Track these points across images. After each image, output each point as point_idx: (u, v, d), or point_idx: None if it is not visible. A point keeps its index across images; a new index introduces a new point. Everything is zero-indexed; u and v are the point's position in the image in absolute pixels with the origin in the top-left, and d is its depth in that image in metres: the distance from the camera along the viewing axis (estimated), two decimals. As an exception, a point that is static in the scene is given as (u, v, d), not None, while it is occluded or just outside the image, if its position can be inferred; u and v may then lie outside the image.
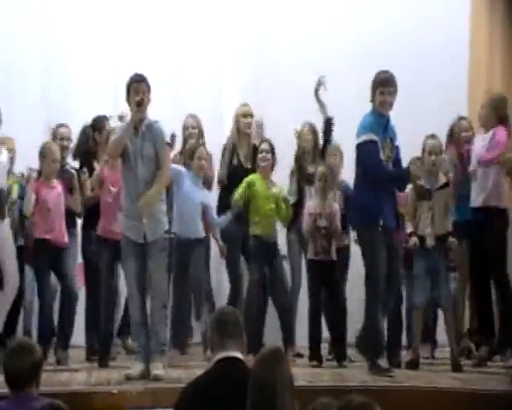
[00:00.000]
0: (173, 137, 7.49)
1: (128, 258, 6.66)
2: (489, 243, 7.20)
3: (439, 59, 9.07)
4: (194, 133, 8.09)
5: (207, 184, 7.93)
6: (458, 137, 7.80)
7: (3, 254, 7.17)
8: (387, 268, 6.77)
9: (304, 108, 8.09)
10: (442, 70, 9.03)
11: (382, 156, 6.72)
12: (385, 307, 6.88)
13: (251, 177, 7.69)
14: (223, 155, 8.07)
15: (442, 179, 7.28)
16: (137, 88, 6.56)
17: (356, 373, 6.79)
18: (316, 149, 7.99)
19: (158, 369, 6.44)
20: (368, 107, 7.05)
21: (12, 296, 7.24)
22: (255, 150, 7.91)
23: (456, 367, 7.01)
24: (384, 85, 6.76)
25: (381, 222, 6.75)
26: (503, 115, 7.34)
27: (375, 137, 6.70)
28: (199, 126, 8.18)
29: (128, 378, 6.37)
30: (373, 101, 6.82)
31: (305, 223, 7.47)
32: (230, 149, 8.02)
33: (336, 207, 7.49)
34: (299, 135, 8.00)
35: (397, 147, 6.93)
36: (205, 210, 7.64)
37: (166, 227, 6.76)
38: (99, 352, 7.36)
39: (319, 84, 7.81)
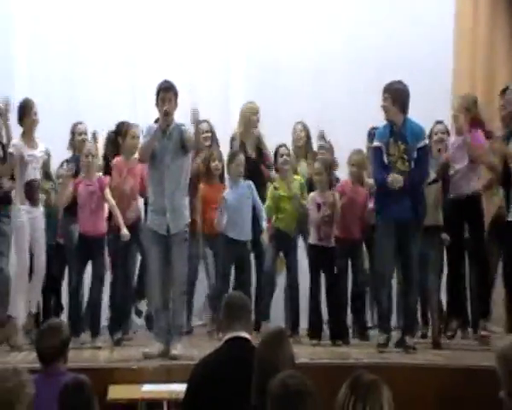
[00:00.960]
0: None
1: (152, 246, 6.92)
2: (470, 228, 7.53)
3: (423, 65, 9.38)
4: (207, 137, 8.29)
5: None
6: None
7: (35, 239, 7.39)
8: (403, 261, 7.20)
9: (303, 109, 8.57)
10: (426, 73, 9.33)
11: (385, 159, 7.09)
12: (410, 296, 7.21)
13: (272, 188, 8.03)
14: (231, 147, 8.33)
15: (432, 175, 7.65)
16: (164, 97, 6.77)
17: (351, 351, 7.14)
18: (307, 145, 8.43)
19: (177, 349, 6.73)
20: (363, 107, 7.62)
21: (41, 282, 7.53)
22: (259, 141, 8.33)
23: (437, 345, 7.41)
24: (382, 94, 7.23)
25: (382, 217, 7.14)
26: (476, 117, 7.53)
27: (376, 144, 7.19)
28: (211, 130, 8.35)
29: (146, 357, 6.65)
30: None
31: (310, 212, 7.81)
32: (238, 144, 8.26)
33: (336, 196, 7.85)
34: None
35: (419, 148, 7.07)
36: (255, 206, 7.84)
37: (188, 220, 6.96)
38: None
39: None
